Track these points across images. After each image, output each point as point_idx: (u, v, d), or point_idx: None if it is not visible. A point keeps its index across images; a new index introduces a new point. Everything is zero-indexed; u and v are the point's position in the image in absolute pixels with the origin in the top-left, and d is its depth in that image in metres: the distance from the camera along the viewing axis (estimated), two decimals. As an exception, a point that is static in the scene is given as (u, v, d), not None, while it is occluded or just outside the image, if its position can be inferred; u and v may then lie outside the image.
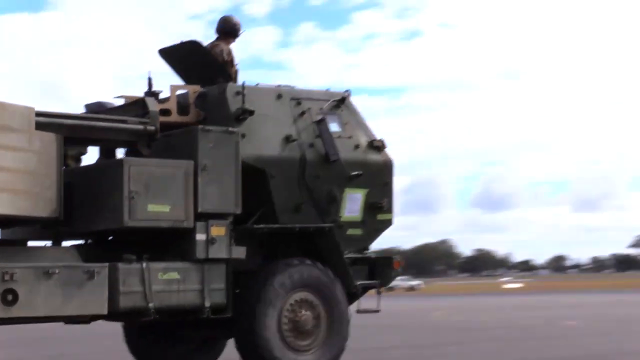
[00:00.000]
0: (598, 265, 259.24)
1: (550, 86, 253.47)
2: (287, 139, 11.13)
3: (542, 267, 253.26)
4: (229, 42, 11.95)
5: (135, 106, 10.79)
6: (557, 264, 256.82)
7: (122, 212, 9.74)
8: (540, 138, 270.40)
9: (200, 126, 10.41)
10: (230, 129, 10.55)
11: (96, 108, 11.29)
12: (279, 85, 11.54)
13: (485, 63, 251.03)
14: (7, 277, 9.10)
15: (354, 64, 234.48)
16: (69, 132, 10.05)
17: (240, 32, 12.04)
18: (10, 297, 9.11)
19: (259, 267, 10.80)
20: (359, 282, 11.50)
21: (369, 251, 11.96)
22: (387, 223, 11.92)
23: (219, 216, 10.35)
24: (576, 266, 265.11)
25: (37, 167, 9.60)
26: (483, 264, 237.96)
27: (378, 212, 11.74)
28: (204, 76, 11.47)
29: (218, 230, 10.33)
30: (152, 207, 9.91)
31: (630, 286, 74.46)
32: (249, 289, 10.64)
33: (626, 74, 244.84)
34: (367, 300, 11.81)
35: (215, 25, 12.11)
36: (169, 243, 10.27)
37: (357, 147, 11.63)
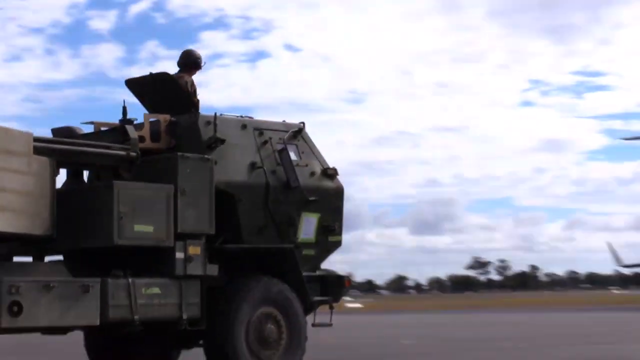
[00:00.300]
0: (437, 286, 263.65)
1: (392, 109, 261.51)
2: (253, 166, 12.14)
3: (383, 287, 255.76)
4: (191, 74, 12.88)
5: (114, 133, 11.61)
6: (398, 285, 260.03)
7: (112, 231, 10.56)
8: (380, 161, 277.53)
9: (179, 153, 11.31)
10: (205, 156, 11.49)
11: (66, 133, 12.01)
12: (240, 116, 12.52)
13: (330, 86, 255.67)
14: (13, 290, 9.81)
15: (201, 82, 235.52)
16: (62, 156, 10.82)
17: (202, 64, 12.98)
18: (15, 309, 9.82)
19: (227, 283, 11.71)
20: (314, 298, 12.54)
21: (321, 270, 13.01)
22: (337, 244, 13.04)
23: (195, 236, 11.26)
24: (416, 287, 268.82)
25: (34, 189, 10.35)
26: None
27: (330, 234, 12.83)
28: (169, 106, 12.35)
29: (194, 249, 11.24)
30: (138, 227, 10.76)
31: (465, 306, 76.15)
32: (220, 303, 11.54)
33: (459, 102, 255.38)
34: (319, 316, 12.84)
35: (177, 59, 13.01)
36: (150, 260, 11.09)
37: (312, 174, 12.72)
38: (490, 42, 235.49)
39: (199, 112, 12.15)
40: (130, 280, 10.72)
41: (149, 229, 10.86)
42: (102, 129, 12.01)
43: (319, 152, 13.04)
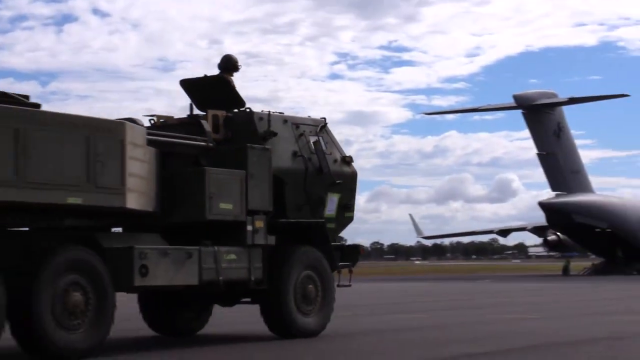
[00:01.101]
0: None
1: None
2: (294, 155, 14.76)
3: None
4: (230, 76, 15.33)
5: (188, 126, 14.01)
6: None
7: (205, 208, 13.04)
8: None
9: (248, 144, 13.82)
10: (266, 146, 14.05)
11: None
12: (281, 113, 15.07)
13: (139, 53, 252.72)
14: (142, 256, 12.19)
15: (2, 45, 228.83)
16: (162, 146, 13.17)
17: (240, 67, 15.45)
18: (144, 271, 12.20)
19: (278, 251, 14.30)
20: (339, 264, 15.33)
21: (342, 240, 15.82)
22: (350, 219, 15.84)
23: (259, 212, 13.85)
24: None
25: (147, 174, 12.70)
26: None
27: (346, 211, 15.61)
28: (219, 103, 14.80)
29: (259, 223, 13.85)
30: (222, 205, 13.28)
31: None
32: (274, 267, 14.14)
33: (269, 73, 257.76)
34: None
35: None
36: (227, 232, 13.59)
37: (335, 161, 15.43)
38: (299, 15, 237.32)
39: (251, 109, 14.65)
40: (215, 248, 13.24)
41: (229, 206, 13.39)
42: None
43: (337, 143, 15.76)
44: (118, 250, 12.15)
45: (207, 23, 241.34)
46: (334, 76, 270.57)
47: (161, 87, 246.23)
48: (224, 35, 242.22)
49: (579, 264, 72.36)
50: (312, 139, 15.10)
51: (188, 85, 15.32)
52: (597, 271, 62.75)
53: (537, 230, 70.03)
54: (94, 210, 12.10)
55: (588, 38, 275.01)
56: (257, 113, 14.63)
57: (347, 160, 15.72)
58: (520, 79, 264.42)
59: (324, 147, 15.30)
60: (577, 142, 64.64)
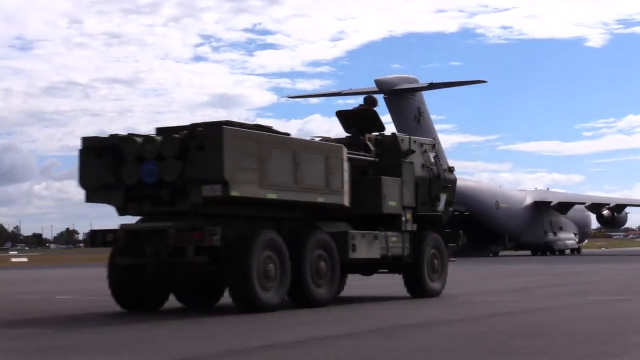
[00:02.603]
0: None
1: (61, 58, 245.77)
2: (423, 166, 20.44)
3: (52, 241, 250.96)
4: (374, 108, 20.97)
5: (355, 144, 19.54)
6: (68, 238, 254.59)
7: (381, 204, 18.66)
8: (49, 111, 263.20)
9: (402, 159, 19.46)
10: (410, 161, 19.72)
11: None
12: (408, 136, 20.72)
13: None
14: (353, 237, 17.77)
15: None
16: (350, 161, 18.68)
17: (378, 104, 21.09)
18: (354, 247, 17.78)
19: (417, 235, 19.95)
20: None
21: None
22: (453, 212, 21.64)
23: (408, 208, 19.52)
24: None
25: (348, 180, 18.24)
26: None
27: (450, 206, 21.39)
28: (367, 128, 20.36)
29: (409, 215, 19.54)
30: (390, 202, 18.91)
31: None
32: (415, 247, 19.80)
33: (130, 53, 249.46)
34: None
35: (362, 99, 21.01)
36: (390, 222, 19.18)
37: (444, 170, 21.18)
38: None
39: (394, 133, 20.32)
40: (384, 233, 18.87)
41: (394, 203, 19.04)
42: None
43: (444, 156, 21.53)
44: (339, 233, 17.70)
45: (68, 2, 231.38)
46: (198, 58, 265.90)
47: (18, 67, 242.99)
48: (85, 15, 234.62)
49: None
50: (432, 154, 20.82)
51: (343, 113, 20.84)
52: (454, 254, 68.78)
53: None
54: (327, 207, 17.62)
55: (449, 25, 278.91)
56: (399, 135, 20.27)
57: (451, 169, 21.48)
58: (383, 64, 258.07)
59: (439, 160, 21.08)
60: (438, 126, 66.34)
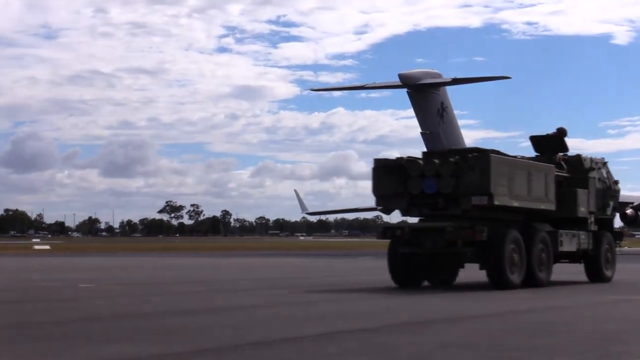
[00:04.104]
0: (129, 229, 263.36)
1: (86, 48, 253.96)
2: (599, 180, 26.14)
3: (74, 229, 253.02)
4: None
5: (550, 163, 25.25)
6: (90, 227, 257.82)
7: (577, 209, 24.43)
8: (73, 100, 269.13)
9: (589, 175, 25.22)
10: (592, 176, 25.46)
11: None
12: (589, 157, 26.38)
13: (21, 19, 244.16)
14: (560, 235, 23.59)
15: None
16: (556, 177, 24.40)
17: (567, 134, 26.77)
18: (561, 243, 23.64)
19: (597, 234, 25.66)
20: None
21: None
22: (615, 215, 27.42)
23: (592, 212, 25.29)
24: (108, 229, 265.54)
25: (554, 189, 23.98)
26: (13, 224, 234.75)
27: (614, 211, 27.12)
28: (553, 149, 26.05)
29: (592, 218, 25.32)
30: (581, 208, 24.68)
31: (158, 249, 79.00)
32: (596, 243, 25.52)
33: (155, 44, 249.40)
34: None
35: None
36: (577, 223, 24.92)
37: (613, 182, 26.89)
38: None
39: (577, 153, 26.07)
40: (578, 232, 24.66)
41: (584, 209, 24.81)
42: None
43: (610, 170, 27.19)
44: (551, 232, 23.49)
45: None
46: (222, 49, 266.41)
47: (43, 55, 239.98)
48: (110, 4, 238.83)
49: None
50: (604, 170, 26.53)
51: (537, 138, 26.53)
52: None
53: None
54: (544, 212, 23.44)
55: (473, 20, 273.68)
56: (582, 156, 25.99)
57: (616, 182, 27.21)
58: (407, 58, 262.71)
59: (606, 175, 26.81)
60: (461, 122, 62.21)
